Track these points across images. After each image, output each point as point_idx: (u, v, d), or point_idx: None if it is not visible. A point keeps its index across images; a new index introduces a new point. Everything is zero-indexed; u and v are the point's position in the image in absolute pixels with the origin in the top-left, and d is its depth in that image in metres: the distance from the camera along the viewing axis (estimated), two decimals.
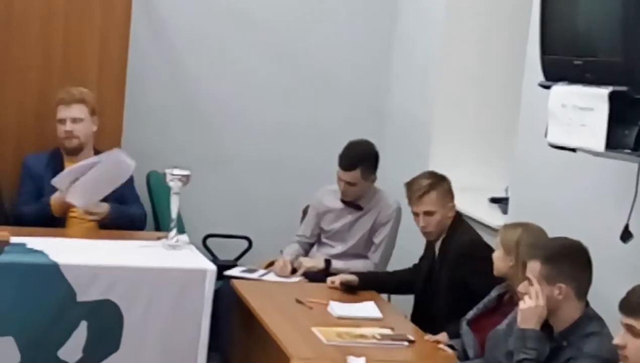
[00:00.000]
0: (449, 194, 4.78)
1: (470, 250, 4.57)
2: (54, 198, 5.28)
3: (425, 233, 4.78)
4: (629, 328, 3.09)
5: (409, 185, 4.82)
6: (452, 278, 4.61)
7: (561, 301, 3.58)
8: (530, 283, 3.61)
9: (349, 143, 5.44)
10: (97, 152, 5.54)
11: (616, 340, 3.14)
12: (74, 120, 5.43)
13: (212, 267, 4.60)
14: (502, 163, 5.68)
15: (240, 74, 6.55)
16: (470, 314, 4.25)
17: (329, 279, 5.02)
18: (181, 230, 5.21)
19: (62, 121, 5.43)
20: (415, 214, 4.77)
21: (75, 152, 5.46)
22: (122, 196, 5.47)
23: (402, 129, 6.48)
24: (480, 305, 4.25)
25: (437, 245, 4.78)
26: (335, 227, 5.50)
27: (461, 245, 4.62)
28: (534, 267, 3.62)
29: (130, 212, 5.43)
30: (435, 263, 4.77)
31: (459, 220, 4.81)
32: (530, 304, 3.58)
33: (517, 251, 4.03)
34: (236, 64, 6.54)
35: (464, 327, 4.23)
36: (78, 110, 5.43)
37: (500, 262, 4.13)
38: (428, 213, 4.71)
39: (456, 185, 5.48)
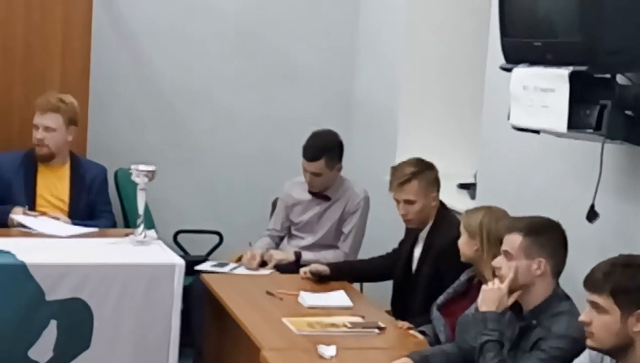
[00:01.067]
0: (433, 184, 4.70)
1: (454, 247, 4.43)
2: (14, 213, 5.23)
3: (405, 221, 4.74)
4: (594, 305, 3.09)
5: (393, 171, 4.74)
6: (433, 273, 4.58)
7: (537, 277, 3.58)
8: (508, 258, 3.60)
9: (312, 133, 5.42)
10: (73, 157, 5.49)
11: (581, 317, 3.14)
12: (46, 129, 5.38)
13: (180, 262, 4.58)
14: (471, 148, 5.68)
15: (206, 66, 6.53)
16: (441, 299, 4.25)
17: (302, 270, 5.01)
18: (150, 227, 5.19)
19: (36, 127, 5.39)
20: (397, 201, 4.71)
21: (47, 159, 5.42)
22: (93, 206, 5.44)
23: (369, 117, 6.47)
24: (450, 289, 4.26)
25: (423, 235, 4.72)
26: (304, 219, 5.49)
27: (446, 241, 4.51)
28: (513, 240, 3.61)
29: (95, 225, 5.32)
30: (419, 253, 4.71)
31: (445, 210, 4.74)
32: (493, 287, 3.58)
33: (482, 234, 4.03)
34: (202, 56, 6.52)
35: (435, 312, 4.23)
36: (51, 120, 5.38)
37: (465, 247, 4.13)
38: (408, 202, 4.65)
39: None
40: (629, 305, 3.03)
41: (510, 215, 4.07)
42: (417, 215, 4.68)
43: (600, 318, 3.07)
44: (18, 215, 5.19)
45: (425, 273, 4.63)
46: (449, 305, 4.22)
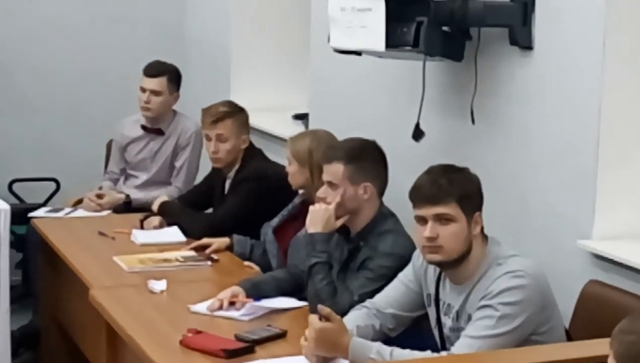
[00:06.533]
0: (245, 126, 4.71)
1: (254, 175, 4.56)
2: None
3: (214, 159, 4.70)
4: (438, 217, 3.02)
5: (206, 111, 4.74)
6: None
7: (365, 201, 3.58)
8: (333, 188, 3.58)
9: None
10: None
11: (427, 234, 3.03)
12: None
13: (5, 207, 4.44)
14: (305, 79, 5.66)
15: (33, 14, 6.35)
16: (275, 221, 4.24)
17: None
18: None
19: None
20: (208, 138, 4.69)
21: None
22: None
23: (202, 55, 6.39)
24: (285, 211, 4.24)
25: (231, 175, 4.70)
26: (139, 157, 5.43)
27: (248, 171, 4.60)
28: (336, 169, 3.59)
29: None
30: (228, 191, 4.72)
31: (254, 151, 4.74)
32: (320, 207, 3.57)
33: (311, 162, 4.01)
34: (27, 4, 6.33)
35: (270, 235, 4.21)
36: None
37: (296, 175, 4.09)
38: (220, 138, 4.63)
39: (259, 106, 5.43)
40: (471, 209, 3.05)
41: (334, 136, 4.06)
42: (226, 154, 4.66)
43: (447, 229, 3.02)
44: None
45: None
46: (283, 228, 4.21)
